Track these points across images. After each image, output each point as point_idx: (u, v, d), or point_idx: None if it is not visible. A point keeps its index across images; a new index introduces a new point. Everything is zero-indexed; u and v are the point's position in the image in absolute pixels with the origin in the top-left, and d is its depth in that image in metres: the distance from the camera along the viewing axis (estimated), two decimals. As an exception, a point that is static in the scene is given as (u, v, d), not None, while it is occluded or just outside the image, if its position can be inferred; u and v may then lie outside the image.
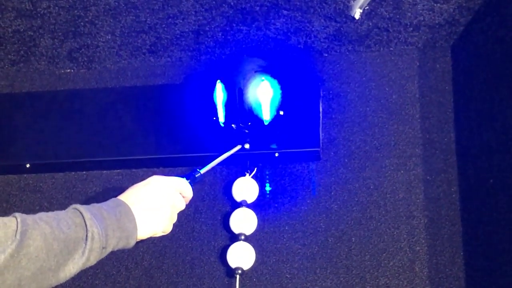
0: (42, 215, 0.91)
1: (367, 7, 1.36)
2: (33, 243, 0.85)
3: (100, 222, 0.95)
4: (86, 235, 0.92)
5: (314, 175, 1.37)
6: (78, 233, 0.92)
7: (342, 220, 1.33)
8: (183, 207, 1.11)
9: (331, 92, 1.43)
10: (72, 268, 0.91)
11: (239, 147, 1.29)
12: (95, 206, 0.99)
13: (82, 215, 0.94)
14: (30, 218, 0.88)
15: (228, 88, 1.34)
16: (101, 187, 1.44)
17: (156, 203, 1.06)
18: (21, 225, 0.85)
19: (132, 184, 1.42)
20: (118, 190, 1.42)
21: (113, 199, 1.05)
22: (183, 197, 1.10)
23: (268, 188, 1.38)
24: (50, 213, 0.92)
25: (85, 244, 0.92)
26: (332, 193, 1.35)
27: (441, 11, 1.36)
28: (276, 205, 1.37)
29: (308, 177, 1.38)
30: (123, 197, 1.07)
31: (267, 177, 1.38)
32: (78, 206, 0.96)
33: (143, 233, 1.04)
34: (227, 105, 1.34)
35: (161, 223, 1.06)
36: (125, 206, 1.03)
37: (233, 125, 1.35)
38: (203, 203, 1.38)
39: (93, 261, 0.94)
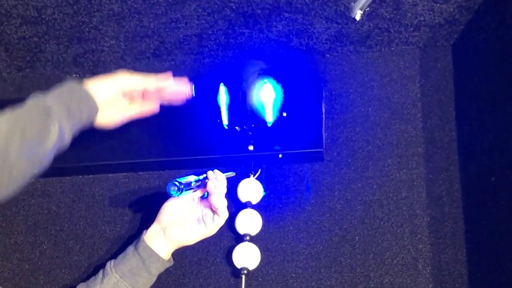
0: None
1: (368, 9, 1.37)
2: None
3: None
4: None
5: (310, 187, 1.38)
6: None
7: (345, 220, 1.34)
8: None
9: (333, 92, 1.44)
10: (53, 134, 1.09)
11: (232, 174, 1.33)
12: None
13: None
14: None
15: (231, 91, 1.35)
16: (107, 190, 1.46)
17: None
18: None
19: (138, 187, 1.45)
20: (124, 193, 1.45)
21: None
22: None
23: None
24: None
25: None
26: (336, 193, 1.37)
27: (441, 10, 1.37)
28: (280, 205, 1.38)
29: (311, 178, 1.39)
30: None
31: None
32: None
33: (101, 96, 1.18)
34: (231, 108, 1.36)
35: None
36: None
37: (237, 127, 1.37)
38: (209, 204, 1.39)
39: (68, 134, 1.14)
